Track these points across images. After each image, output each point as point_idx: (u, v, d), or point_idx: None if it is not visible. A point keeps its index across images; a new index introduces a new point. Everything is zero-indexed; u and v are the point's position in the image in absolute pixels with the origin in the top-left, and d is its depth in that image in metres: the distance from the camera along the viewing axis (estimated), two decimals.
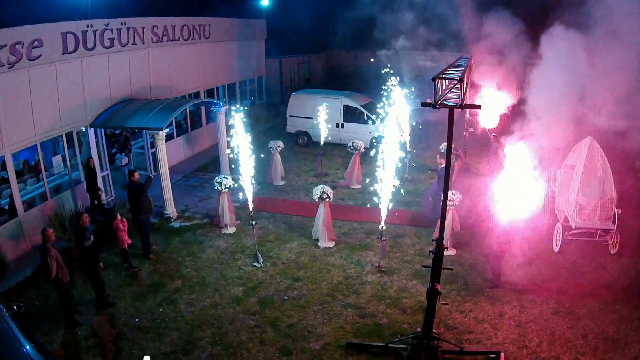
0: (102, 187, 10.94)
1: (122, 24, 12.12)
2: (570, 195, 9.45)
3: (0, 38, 8.59)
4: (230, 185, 10.15)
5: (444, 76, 5.36)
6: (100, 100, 11.49)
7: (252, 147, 8.79)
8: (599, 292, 8.08)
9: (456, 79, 5.23)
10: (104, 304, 7.75)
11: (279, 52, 24.17)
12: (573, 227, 9.23)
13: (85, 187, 10.68)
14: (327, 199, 9.49)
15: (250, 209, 9.11)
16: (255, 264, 8.95)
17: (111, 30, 11.68)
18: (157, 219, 10.60)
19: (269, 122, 18.99)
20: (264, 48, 21.35)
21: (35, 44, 9.36)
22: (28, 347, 5.14)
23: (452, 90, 5.37)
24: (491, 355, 6.59)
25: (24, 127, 9.43)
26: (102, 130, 11.82)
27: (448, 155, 5.63)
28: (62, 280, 7.12)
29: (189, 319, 7.49)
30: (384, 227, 8.42)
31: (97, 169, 11.49)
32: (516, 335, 7.09)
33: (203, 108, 16.40)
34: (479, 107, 5.59)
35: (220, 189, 10.06)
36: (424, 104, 5.56)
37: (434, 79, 5.16)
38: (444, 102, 5.30)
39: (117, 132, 13.89)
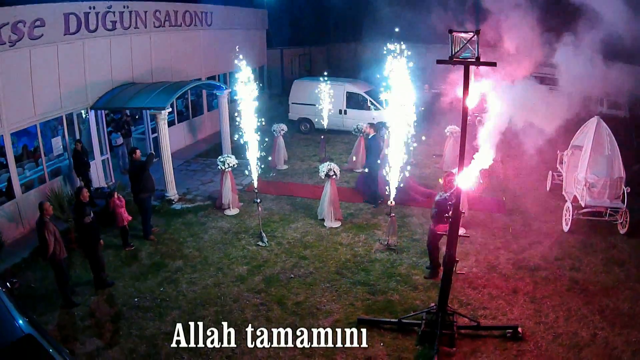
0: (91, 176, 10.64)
1: (124, 7, 11.90)
2: (579, 174, 9.30)
3: (2, 16, 8.41)
4: (233, 165, 9.90)
5: (459, 30, 5.12)
6: (101, 82, 11.26)
7: (261, 123, 8.60)
8: (611, 270, 7.92)
9: (473, 32, 5.00)
10: (102, 284, 7.48)
11: (280, 43, 24.00)
12: (583, 205, 9.07)
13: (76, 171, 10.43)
14: (334, 177, 9.25)
15: (255, 186, 8.86)
16: (260, 243, 8.70)
17: (113, 12, 11.46)
18: (159, 202, 10.35)
19: (271, 111, 18.79)
20: (266, 38, 21.18)
21: (37, 23, 9.16)
22: (21, 321, 4.96)
23: (467, 46, 5.13)
24: (508, 330, 6.34)
25: (23, 107, 9.21)
26: (103, 114, 11.59)
27: (464, 126, 5.39)
28: (60, 256, 6.84)
29: (190, 297, 7.23)
30: (393, 203, 8.19)
31: (97, 153, 11.29)
32: (532, 311, 6.86)
33: (205, 96, 16.21)
34: (494, 64, 5.34)
35: (223, 168, 9.83)
36: (439, 61, 5.35)
37: (450, 32, 4.94)
38: (459, 58, 5.09)
39: (116, 117, 13.68)
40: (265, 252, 8.49)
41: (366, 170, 10.55)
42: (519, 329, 6.31)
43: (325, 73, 13.87)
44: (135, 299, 7.20)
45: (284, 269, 7.97)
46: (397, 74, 7.89)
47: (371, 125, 10.68)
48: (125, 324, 6.69)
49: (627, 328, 6.51)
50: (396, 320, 6.46)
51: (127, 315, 6.86)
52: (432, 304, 6.50)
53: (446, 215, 5.45)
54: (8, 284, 6.10)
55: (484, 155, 6.16)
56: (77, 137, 10.67)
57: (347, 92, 15.82)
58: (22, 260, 8.18)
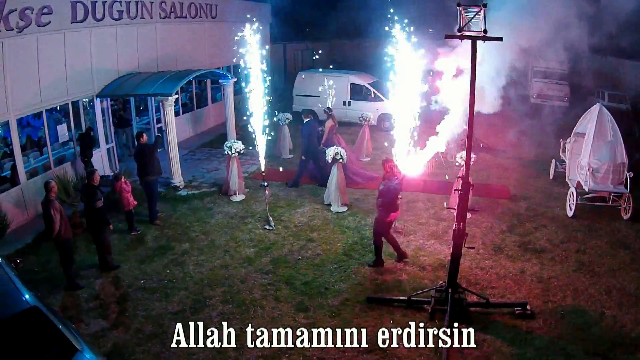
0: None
1: None
2: (583, 159, 9.35)
3: (10, 2, 8.41)
4: (240, 150, 9.92)
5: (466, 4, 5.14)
6: (107, 71, 11.27)
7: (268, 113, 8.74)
8: (617, 253, 7.97)
9: (480, 6, 5.03)
10: (107, 267, 7.45)
11: (283, 38, 24.03)
12: (587, 190, 9.13)
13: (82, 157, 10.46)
14: (341, 161, 9.26)
15: (262, 169, 8.88)
16: (267, 226, 8.71)
17: (120, 2, 11.49)
18: (164, 189, 10.34)
19: (273, 105, 18.85)
20: (269, 33, 21.22)
21: (45, 10, 9.17)
22: (27, 295, 5.02)
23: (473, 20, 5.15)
24: (517, 308, 6.35)
25: (29, 93, 9.21)
26: (108, 103, 11.60)
27: (471, 110, 5.41)
28: (65, 236, 6.80)
29: (197, 279, 7.22)
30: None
31: (102, 141, 11.30)
32: (540, 290, 6.89)
33: (209, 88, 16.24)
34: (500, 39, 5.36)
35: (230, 153, 9.83)
36: (447, 36, 5.38)
37: (458, 5, 4.98)
38: (466, 34, 5.12)
39: (115, 108, 13.64)
40: (273, 235, 8.50)
41: (303, 157, 10.75)
42: (528, 306, 6.33)
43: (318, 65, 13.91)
44: (142, 281, 7.19)
45: (292, 251, 7.98)
46: (404, 63, 7.90)
47: (305, 111, 11.22)
48: (131, 304, 6.66)
49: (635, 307, 6.54)
50: (405, 298, 6.47)
51: (132, 297, 6.83)
52: (441, 282, 6.52)
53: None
54: (12, 263, 6.14)
55: (438, 139, 6.19)
56: (83, 125, 10.70)
57: (351, 84, 15.84)
58: (26, 246, 8.13)
